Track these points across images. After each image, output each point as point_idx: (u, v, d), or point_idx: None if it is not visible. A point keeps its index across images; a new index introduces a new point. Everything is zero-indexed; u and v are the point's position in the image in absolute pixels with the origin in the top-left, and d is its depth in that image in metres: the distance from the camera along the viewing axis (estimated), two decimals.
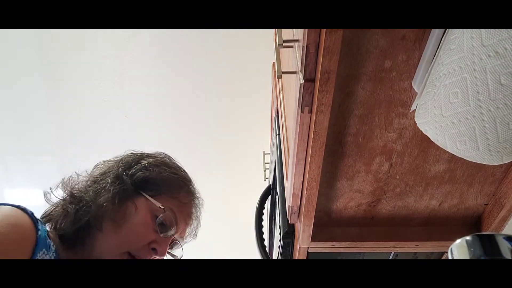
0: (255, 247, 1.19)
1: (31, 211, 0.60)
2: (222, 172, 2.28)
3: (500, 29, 0.42)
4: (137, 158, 0.73)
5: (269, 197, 1.32)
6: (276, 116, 1.24)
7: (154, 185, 0.70)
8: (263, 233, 1.23)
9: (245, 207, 1.80)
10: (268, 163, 1.70)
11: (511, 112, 0.44)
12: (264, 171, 1.82)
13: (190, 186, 0.76)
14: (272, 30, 1.57)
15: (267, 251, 1.22)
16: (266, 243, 1.26)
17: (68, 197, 0.68)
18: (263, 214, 1.26)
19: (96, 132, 2.12)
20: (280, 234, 0.96)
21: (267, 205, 1.34)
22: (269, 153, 1.73)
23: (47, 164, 2.25)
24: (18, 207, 0.59)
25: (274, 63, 1.53)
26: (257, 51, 1.83)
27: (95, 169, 0.73)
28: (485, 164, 0.62)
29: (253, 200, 1.33)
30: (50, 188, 0.69)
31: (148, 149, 0.78)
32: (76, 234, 0.65)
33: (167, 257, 0.74)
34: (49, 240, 0.61)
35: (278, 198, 1.06)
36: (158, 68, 1.91)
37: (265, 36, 1.74)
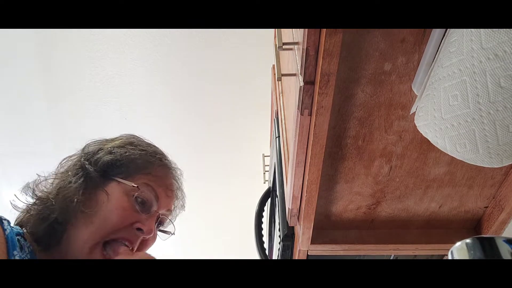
0: (254, 249, 1.19)
1: None
2: (222, 174, 2.28)
3: (499, 32, 0.42)
4: (100, 145, 0.71)
5: (269, 200, 1.32)
6: (276, 119, 1.24)
7: (123, 167, 0.67)
8: (262, 235, 1.22)
9: (245, 210, 1.80)
10: (268, 165, 1.70)
11: (511, 115, 0.44)
12: (264, 173, 1.82)
13: (163, 159, 0.73)
14: (272, 32, 1.57)
15: (267, 253, 1.22)
16: (266, 245, 1.26)
17: (33, 200, 0.66)
18: (262, 216, 1.26)
19: (96, 133, 2.11)
20: (279, 236, 0.96)
21: (267, 208, 1.34)
22: (269, 156, 1.73)
23: (47, 166, 2.24)
24: None
25: (274, 65, 1.54)
26: (257, 54, 1.83)
27: (59, 167, 0.70)
28: (484, 167, 0.62)
29: (253, 203, 1.33)
30: (15, 195, 0.67)
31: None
32: (47, 233, 0.62)
33: (160, 235, 0.72)
34: (23, 241, 0.59)
35: (277, 201, 1.06)
36: (158, 70, 1.91)
37: (265, 38, 1.75)
